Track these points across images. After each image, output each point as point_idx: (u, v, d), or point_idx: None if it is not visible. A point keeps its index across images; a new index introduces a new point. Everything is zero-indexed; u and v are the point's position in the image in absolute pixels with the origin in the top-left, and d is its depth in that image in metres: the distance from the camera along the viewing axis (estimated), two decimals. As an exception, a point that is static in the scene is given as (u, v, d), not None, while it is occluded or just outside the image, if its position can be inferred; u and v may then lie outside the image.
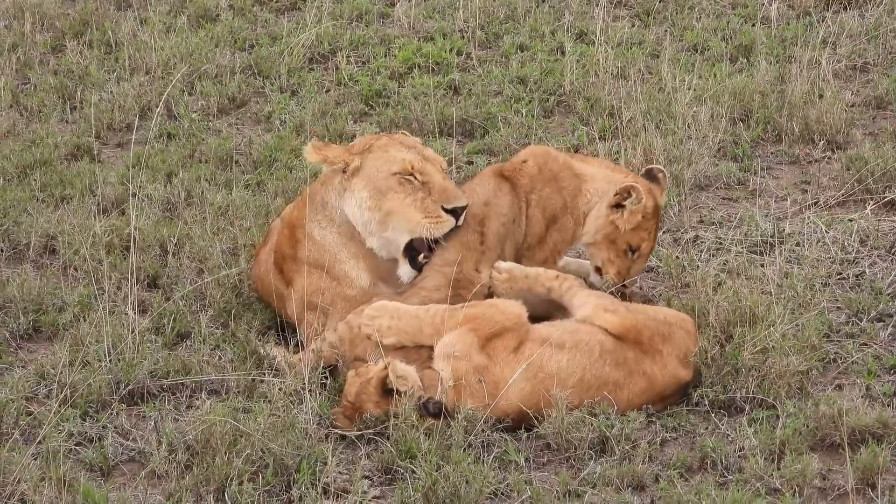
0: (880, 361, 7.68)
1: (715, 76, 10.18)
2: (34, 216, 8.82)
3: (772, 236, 8.62)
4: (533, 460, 7.07)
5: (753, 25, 11.00)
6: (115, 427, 7.22)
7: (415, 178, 7.65)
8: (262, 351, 7.67)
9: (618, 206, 7.73)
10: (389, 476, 6.96)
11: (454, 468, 6.79)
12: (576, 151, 9.52)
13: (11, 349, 7.87)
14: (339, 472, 6.94)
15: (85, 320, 7.84)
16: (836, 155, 9.58)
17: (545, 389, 7.13)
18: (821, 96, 9.89)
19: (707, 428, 7.24)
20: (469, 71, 10.62)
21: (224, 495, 6.77)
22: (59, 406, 7.20)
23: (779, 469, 6.87)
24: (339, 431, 7.17)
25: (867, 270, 8.41)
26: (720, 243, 8.65)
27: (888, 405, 7.33)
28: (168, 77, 10.32)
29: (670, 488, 6.80)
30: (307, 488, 6.80)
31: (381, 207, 7.65)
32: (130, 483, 6.91)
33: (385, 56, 10.81)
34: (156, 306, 8.02)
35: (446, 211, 7.61)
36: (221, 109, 10.28)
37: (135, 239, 8.26)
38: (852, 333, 7.89)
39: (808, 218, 8.82)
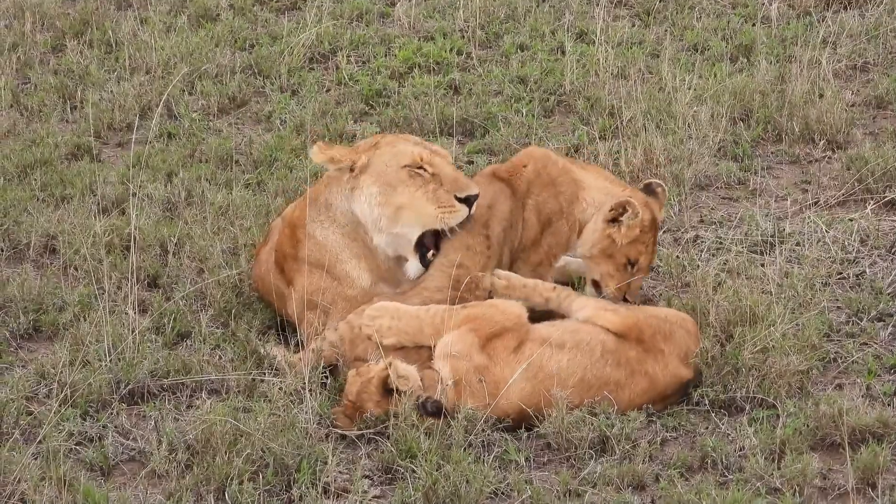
0: (880, 361, 7.68)
1: (715, 76, 10.18)
2: (34, 216, 8.82)
3: (772, 236, 8.62)
4: (533, 460, 7.07)
5: (754, 25, 11.00)
6: (115, 427, 7.22)
7: (424, 170, 7.64)
8: (262, 350, 7.67)
9: (614, 220, 7.72)
10: (390, 475, 6.96)
11: (454, 468, 6.79)
12: (576, 151, 9.52)
13: (12, 349, 7.87)
14: (340, 472, 6.94)
15: (85, 320, 7.84)
16: (836, 154, 9.58)
17: (545, 389, 7.13)
18: (821, 96, 9.89)
19: (707, 427, 7.24)
20: (469, 70, 10.62)
21: (224, 495, 6.77)
22: (60, 406, 7.20)
23: (779, 469, 6.87)
24: (340, 431, 7.17)
25: (867, 270, 8.41)
26: (720, 243, 8.64)
27: (888, 405, 7.33)
28: (168, 77, 10.33)
29: (670, 488, 6.80)
30: (307, 488, 6.80)
31: (391, 202, 7.64)
32: (131, 483, 6.91)
33: (385, 56, 10.81)
34: (156, 306, 8.02)
35: (459, 200, 7.60)
36: (222, 109, 10.28)
37: (135, 238, 8.26)
38: (852, 333, 7.89)
39: (809, 217, 8.82)
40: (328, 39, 10.94)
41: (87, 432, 7.18)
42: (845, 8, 11.26)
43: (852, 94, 10.23)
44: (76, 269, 8.39)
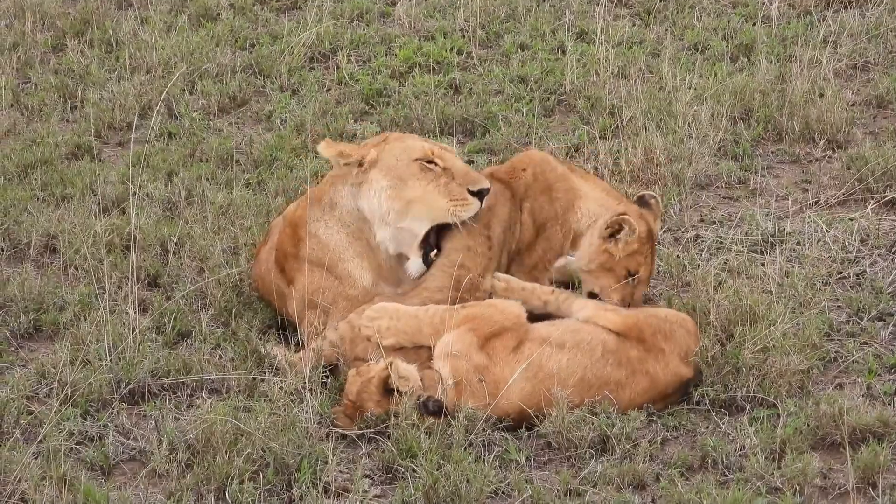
0: (881, 360, 7.68)
1: (715, 75, 10.18)
2: (35, 215, 8.82)
3: (772, 235, 8.62)
4: (534, 459, 7.07)
5: (754, 24, 11.01)
6: (115, 426, 7.22)
7: (435, 163, 7.64)
8: (262, 350, 7.67)
9: (611, 236, 7.71)
10: (390, 475, 6.96)
11: (455, 467, 6.79)
12: (576, 151, 9.52)
13: (12, 348, 7.87)
14: (340, 472, 6.94)
15: (85, 319, 7.84)
16: (836, 154, 9.58)
17: (545, 389, 7.13)
18: (821, 95, 9.89)
19: (708, 427, 7.24)
20: (470, 70, 10.62)
21: (225, 494, 6.77)
22: (60, 405, 7.20)
23: (779, 468, 6.87)
24: (340, 430, 7.17)
25: (868, 269, 8.41)
26: (721, 242, 8.64)
27: (889, 404, 7.33)
28: (169, 76, 10.33)
29: (671, 487, 6.80)
30: (308, 487, 6.80)
31: (402, 196, 7.62)
32: (131, 482, 6.91)
33: (386, 55, 10.81)
34: (156, 305, 8.02)
35: (472, 194, 7.60)
36: (222, 108, 10.28)
37: (135, 238, 8.26)
38: (853, 332, 7.89)
39: (809, 217, 8.82)
40: (328, 39, 10.94)
41: (87, 432, 7.18)
42: (846, 7, 11.26)
43: (853, 93, 10.23)
44: (76, 268, 8.39)
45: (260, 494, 6.75)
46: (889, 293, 8.16)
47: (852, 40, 10.72)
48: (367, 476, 6.93)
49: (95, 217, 8.74)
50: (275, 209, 8.75)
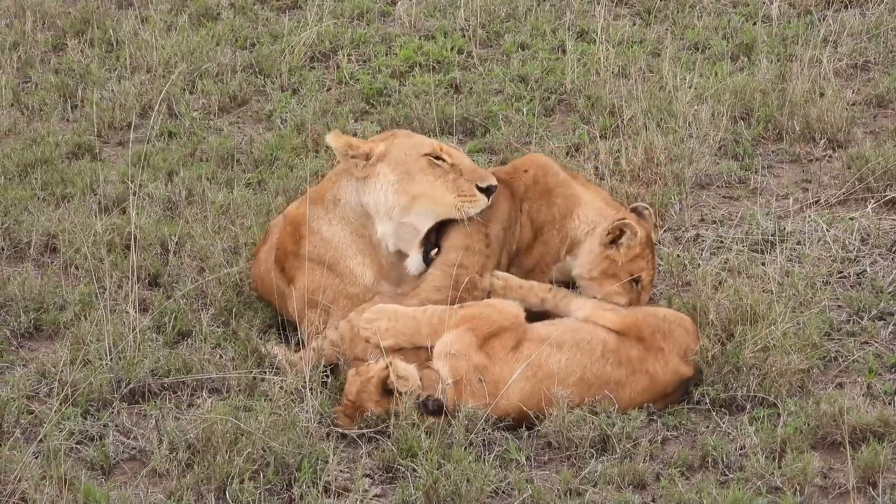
0: (881, 360, 7.68)
1: (716, 75, 10.19)
2: (35, 215, 8.82)
3: (773, 235, 8.62)
4: (534, 459, 7.07)
5: (754, 24, 11.01)
6: (116, 426, 7.22)
7: (443, 159, 7.64)
8: (263, 349, 7.67)
9: (612, 242, 7.70)
10: (390, 475, 6.96)
11: (455, 467, 6.79)
12: (576, 150, 9.52)
13: (12, 348, 7.87)
14: (340, 471, 6.94)
15: (86, 319, 7.84)
16: (836, 153, 9.58)
17: (545, 388, 7.13)
18: (822, 95, 9.89)
19: (708, 426, 7.25)
20: (470, 69, 10.62)
21: (225, 494, 6.77)
22: (60, 405, 7.20)
23: (780, 467, 6.87)
24: (340, 430, 7.17)
25: (868, 269, 8.41)
26: (721, 242, 8.65)
27: (889, 403, 7.33)
28: (169, 76, 10.33)
29: (671, 487, 6.80)
30: (308, 487, 6.80)
31: (409, 191, 7.61)
32: (131, 482, 6.91)
33: (386, 54, 10.81)
34: (157, 305, 8.03)
35: (480, 190, 7.60)
36: (222, 108, 10.28)
37: (136, 237, 8.26)
38: (853, 332, 7.89)
39: (809, 216, 8.82)
40: (329, 38, 10.94)
41: (87, 431, 7.18)
42: (846, 7, 11.26)
43: (853, 92, 10.23)
44: (77, 267, 8.39)
45: (260, 494, 6.75)
46: (889, 293, 8.16)
47: (853, 40, 10.72)
48: (367, 475, 6.93)
49: (96, 216, 8.75)
50: (275, 209, 8.75)
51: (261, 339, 7.77)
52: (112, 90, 10.26)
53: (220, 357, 7.64)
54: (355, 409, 7.13)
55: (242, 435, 6.91)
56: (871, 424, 7.07)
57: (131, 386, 7.43)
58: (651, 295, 8.16)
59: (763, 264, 8.26)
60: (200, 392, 7.45)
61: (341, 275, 7.71)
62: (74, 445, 7.10)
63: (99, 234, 8.47)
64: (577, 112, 10.05)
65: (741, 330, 7.51)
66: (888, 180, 9.13)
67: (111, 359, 7.48)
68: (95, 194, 9.12)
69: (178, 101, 10.20)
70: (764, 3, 11.24)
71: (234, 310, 7.99)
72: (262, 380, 7.46)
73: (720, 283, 7.93)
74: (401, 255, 7.71)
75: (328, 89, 10.43)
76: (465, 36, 10.98)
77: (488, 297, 7.55)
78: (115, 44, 10.94)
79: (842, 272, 8.39)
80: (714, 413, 7.30)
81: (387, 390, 7.07)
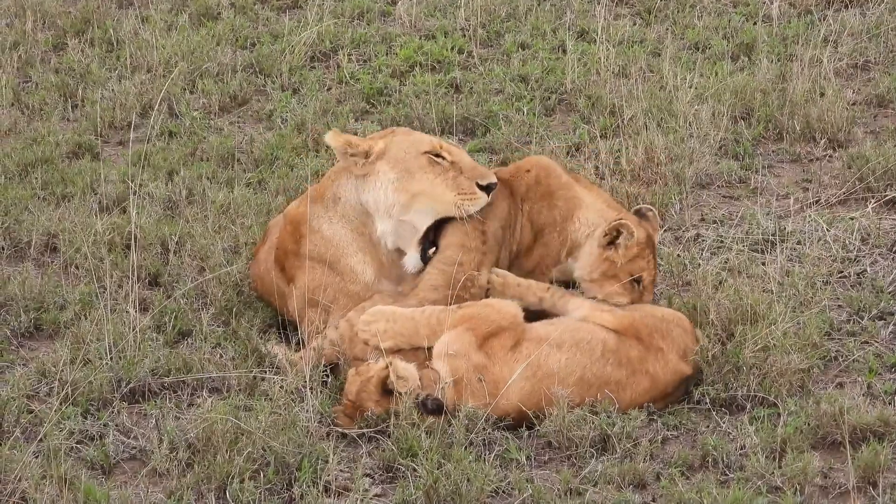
0: (881, 360, 7.68)
1: (716, 74, 10.19)
2: (35, 214, 8.82)
3: (773, 234, 8.62)
4: (534, 458, 7.07)
5: (755, 24, 11.01)
6: (116, 425, 7.22)
7: (443, 157, 7.64)
8: (263, 349, 7.67)
9: (610, 243, 7.69)
10: (391, 474, 6.96)
11: (455, 466, 6.79)
12: (577, 150, 9.52)
13: (13, 347, 7.87)
14: (341, 471, 6.94)
15: (86, 318, 7.84)
16: (837, 153, 9.58)
17: (545, 388, 7.13)
18: (822, 94, 9.89)
19: (708, 426, 7.24)
20: (470, 69, 10.62)
21: (225, 493, 6.77)
22: (61, 404, 7.20)
23: (780, 467, 6.87)
24: (341, 430, 7.17)
25: (868, 269, 8.41)
26: (721, 241, 8.65)
27: (889, 403, 7.33)
28: (169, 75, 10.33)
29: (671, 486, 6.80)
30: (308, 486, 6.80)
31: (408, 189, 7.60)
32: (132, 481, 6.91)
33: (386, 54, 10.81)
34: (157, 304, 8.03)
35: (480, 188, 7.59)
36: (223, 107, 10.28)
37: (136, 237, 8.26)
38: (853, 332, 7.89)
39: (810, 216, 8.82)
40: (329, 38, 10.95)
41: (87, 431, 7.18)
42: (846, 6, 11.26)
43: (853, 92, 10.23)
44: (77, 267, 8.39)
45: (260, 493, 6.75)
46: (890, 292, 8.16)
47: (853, 39, 10.72)
48: (367, 475, 6.93)
49: (96, 216, 8.75)
50: (275, 208, 8.76)
51: (261, 338, 7.77)
52: (112, 90, 10.26)
53: (221, 356, 7.64)
54: (355, 408, 7.13)
55: (243, 434, 6.91)
56: (872, 424, 7.07)
57: (131, 385, 7.43)
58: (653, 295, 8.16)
59: (763, 264, 8.26)
60: (201, 391, 7.45)
61: (342, 273, 7.71)
62: (74, 445, 7.10)
63: (99, 233, 8.47)
64: (577, 112, 10.05)
65: (741, 329, 7.50)
66: (888, 180, 9.13)
67: (111, 358, 7.48)
68: (96, 194, 9.12)
69: (179, 100, 10.20)
70: (764, 2, 11.24)
71: (234, 309, 7.99)
72: (263, 379, 7.46)
73: (720, 282, 7.93)
74: (400, 253, 7.71)
75: (328, 89, 10.43)
76: (465, 36, 10.98)
77: (486, 294, 7.54)
78: (115, 43, 10.94)
79: (842, 272, 8.39)
80: (714, 413, 7.30)
81: (386, 390, 7.07)
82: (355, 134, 9.56)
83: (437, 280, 7.54)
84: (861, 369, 7.60)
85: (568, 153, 9.47)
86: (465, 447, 6.97)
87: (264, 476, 6.82)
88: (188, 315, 7.94)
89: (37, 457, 6.93)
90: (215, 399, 7.33)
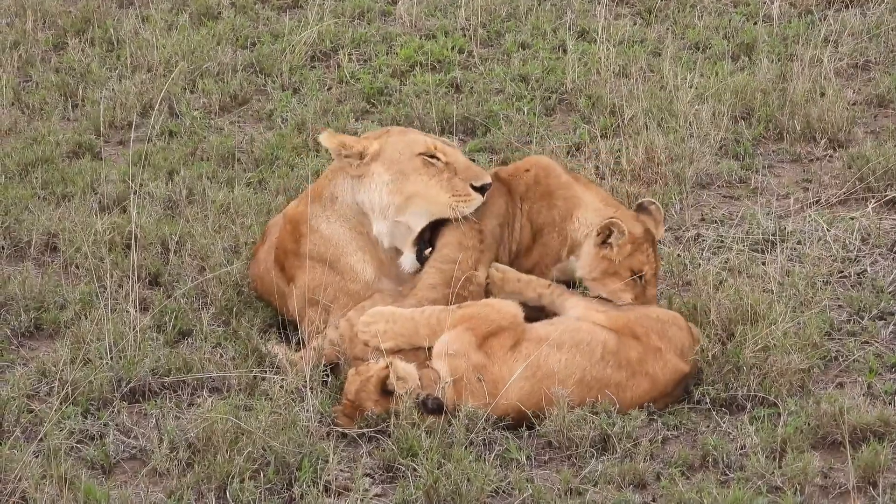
0: (881, 359, 7.68)
1: (716, 74, 10.19)
2: (35, 214, 8.82)
3: (773, 234, 8.62)
4: (534, 458, 7.07)
5: (755, 24, 11.01)
6: (116, 425, 7.22)
7: (438, 158, 7.63)
8: (263, 349, 7.67)
9: (604, 242, 7.69)
10: (391, 474, 6.96)
11: (455, 466, 6.79)
12: (577, 150, 9.52)
13: (13, 347, 7.87)
14: (341, 470, 6.94)
15: (86, 318, 7.84)
16: (837, 153, 9.58)
17: (544, 388, 7.12)
18: (822, 94, 9.89)
19: (708, 426, 7.24)
20: (471, 69, 10.62)
21: (225, 493, 6.77)
22: (61, 404, 7.20)
23: (780, 467, 6.87)
24: (341, 429, 7.17)
25: (868, 269, 8.41)
26: (721, 241, 8.65)
27: (889, 403, 7.33)
28: (170, 75, 10.33)
29: (672, 486, 6.80)
30: (308, 486, 6.80)
31: (403, 190, 7.60)
32: (132, 481, 6.91)
33: (387, 54, 10.81)
34: (157, 304, 8.03)
35: (474, 189, 7.59)
36: (223, 107, 10.28)
37: (136, 237, 8.26)
38: (854, 331, 7.89)
39: (810, 216, 8.82)
40: (329, 37, 10.95)
41: (88, 430, 7.18)
42: (847, 6, 11.26)
43: (854, 92, 10.23)
44: (77, 267, 8.39)
45: (260, 493, 6.75)
46: (890, 292, 8.16)
47: (853, 39, 10.72)
48: (367, 475, 6.93)
49: (96, 215, 8.75)
50: (276, 208, 8.75)
51: (261, 338, 7.77)
52: (113, 89, 10.27)
53: (221, 356, 7.64)
54: (355, 408, 7.13)
55: (243, 434, 6.91)
56: (872, 424, 7.07)
57: (132, 385, 7.43)
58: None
59: (763, 264, 8.26)
60: (201, 391, 7.45)
61: (342, 272, 7.71)
62: (75, 444, 7.10)
63: (99, 233, 8.47)
64: (577, 111, 10.06)
65: (741, 329, 7.50)
66: (889, 180, 9.13)
67: (111, 358, 7.48)
68: (96, 193, 9.12)
69: (179, 100, 10.20)
70: (765, 2, 11.24)
71: (234, 309, 7.99)
72: (263, 379, 7.46)
73: (721, 282, 7.93)
74: (398, 252, 7.71)
75: (329, 88, 10.43)
76: (465, 35, 10.98)
77: (486, 291, 7.54)
78: (115, 43, 10.94)
79: (842, 272, 8.39)
80: (714, 413, 7.29)
81: (386, 390, 7.07)
82: (355, 134, 9.57)
83: (434, 279, 7.54)
84: (861, 369, 7.60)
85: (568, 153, 9.47)
86: (466, 447, 6.97)
87: (264, 476, 6.82)
88: (188, 315, 7.94)
89: (37, 456, 6.92)
90: (215, 399, 7.33)
